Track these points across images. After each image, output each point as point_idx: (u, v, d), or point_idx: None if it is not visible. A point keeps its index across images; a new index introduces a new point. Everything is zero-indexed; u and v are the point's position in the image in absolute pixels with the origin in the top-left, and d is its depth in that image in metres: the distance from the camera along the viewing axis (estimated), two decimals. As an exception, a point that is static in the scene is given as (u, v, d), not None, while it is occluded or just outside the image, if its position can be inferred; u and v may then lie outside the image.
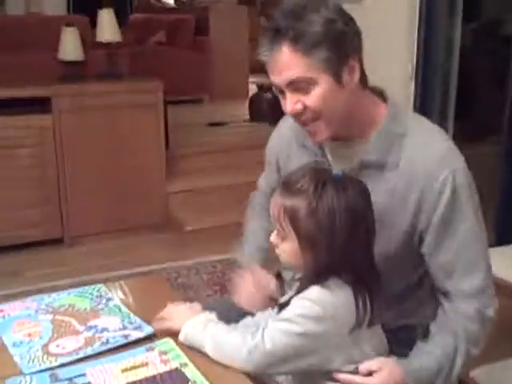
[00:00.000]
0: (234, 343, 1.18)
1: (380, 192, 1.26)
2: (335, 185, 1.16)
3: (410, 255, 1.33)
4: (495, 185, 3.16)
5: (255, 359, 1.16)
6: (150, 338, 1.26)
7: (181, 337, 1.24)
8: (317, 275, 1.17)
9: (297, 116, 1.28)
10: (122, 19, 4.01)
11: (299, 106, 1.25)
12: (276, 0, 7.39)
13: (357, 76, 1.26)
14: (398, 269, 1.33)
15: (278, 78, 1.24)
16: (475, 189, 1.30)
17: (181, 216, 3.73)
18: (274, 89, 1.31)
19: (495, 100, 3.49)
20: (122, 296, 1.45)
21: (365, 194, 1.20)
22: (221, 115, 5.25)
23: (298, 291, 1.19)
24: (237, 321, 1.53)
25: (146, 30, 6.36)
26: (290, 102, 1.25)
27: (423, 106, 3.35)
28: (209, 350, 1.20)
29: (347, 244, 1.15)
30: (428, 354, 1.27)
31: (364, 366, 1.20)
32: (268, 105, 4.93)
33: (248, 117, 4.98)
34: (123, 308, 1.38)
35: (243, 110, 5.11)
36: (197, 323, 1.24)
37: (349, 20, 1.24)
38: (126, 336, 1.26)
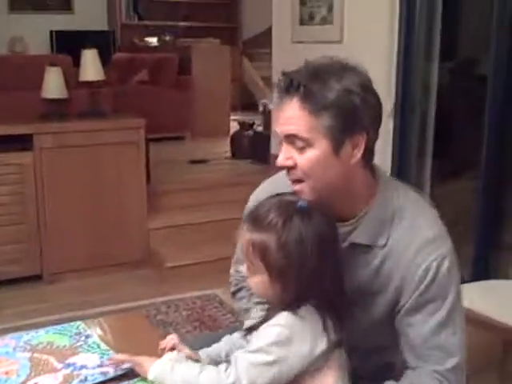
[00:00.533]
0: None
1: (366, 270, 1.30)
2: (301, 216, 1.18)
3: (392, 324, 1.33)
4: (472, 220, 3.21)
5: None
6: (128, 375, 1.26)
7: (150, 377, 1.22)
8: (287, 304, 1.18)
9: (286, 170, 1.28)
10: (105, 58, 4.06)
11: (289, 162, 1.25)
12: (257, 40, 7.58)
13: (359, 153, 1.24)
14: (382, 334, 1.35)
15: (279, 127, 1.25)
16: (458, 273, 1.30)
17: (162, 252, 3.73)
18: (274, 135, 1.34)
19: (472, 136, 3.56)
20: (100, 333, 1.45)
21: (331, 222, 1.22)
22: (202, 152, 5.29)
23: (266, 319, 1.20)
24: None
25: (130, 69, 6.42)
26: (283, 156, 1.25)
27: (402, 144, 3.42)
28: None
29: (317, 271, 1.17)
30: None
31: None
32: (249, 142, 4.99)
33: (229, 154, 5.03)
34: (102, 345, 1.38)
35: (225, 148, 5.16)
36: (163, 364, 1.22)
37: (370, 98, 1.24)
38: (104, 373, 1.26)
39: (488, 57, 3.04)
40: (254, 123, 5.17)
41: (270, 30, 4.45)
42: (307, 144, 1.22)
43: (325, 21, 3.80)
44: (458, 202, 3.24)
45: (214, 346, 1.37)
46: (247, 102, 7.41)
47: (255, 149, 4.76)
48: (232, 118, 6.38)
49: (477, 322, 2.19)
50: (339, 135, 1.21)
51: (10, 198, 3.40)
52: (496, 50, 2.98)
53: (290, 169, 1.26)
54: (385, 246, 1.28)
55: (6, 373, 1.27)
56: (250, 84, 7.73)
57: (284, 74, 1.25)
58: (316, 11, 3.83)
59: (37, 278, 3.52)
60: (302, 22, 4.00)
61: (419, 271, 1.25)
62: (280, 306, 1.20)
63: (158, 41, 7.86)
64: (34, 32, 7.12)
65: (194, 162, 4.97)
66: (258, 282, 1.22)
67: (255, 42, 7.85)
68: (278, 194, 1.25)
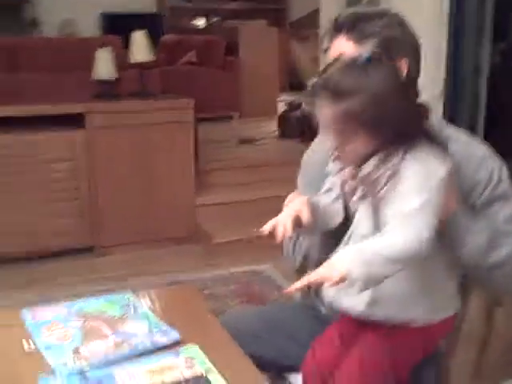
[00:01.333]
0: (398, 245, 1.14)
1: None
2: (372, 66, 1.18)
3: None
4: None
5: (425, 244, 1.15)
6: (176, 344, 1.29)
7: (353, 274, 1.13)
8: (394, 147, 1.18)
9: None
10: (153, 40, 4.10)
11: None
12: (305, 21, 7.51)
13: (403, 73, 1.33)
14: None
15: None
16: None
17: (209, 228, 3.79)
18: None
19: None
20: (149, 304, 1.49)
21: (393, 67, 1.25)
22: (250, 132, 5.31)
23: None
24: (261, 331, 1.56)
25: (178, 50, 6.46)
26: None
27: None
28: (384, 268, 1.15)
29: (408, 107, 1.19)
30: None
31: None
32: (297, 122, 4.98)
33: (277, 134, 5.03)
34: (151, 315, 1.42)
35: (272, 127, 5.16)
36: (346, 254, 1.17)
37: (407, 31, 1.39)
38: (153, 342, 1.30)
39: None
40: (301, 103, 5.15)
41: (317, 11, 4.40)
42: None
43: (372, 3, 3.74)
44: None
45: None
46: (295, 82, 7.36)
47: (302, 129, 4.76)
48: (280, 98, 6.37)
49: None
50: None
51: (64, 174, 3.52)
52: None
53: None
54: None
55: (61, 338, 1.32)
56: (297, 64, 7.68)
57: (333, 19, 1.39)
58: (363, -8, 3.79)
59: (88, 251, 3.64)
60: (349, 4, 3.95)
61: (485, 175, 1.35)
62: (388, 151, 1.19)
63: (206, 23, 7.87)
64: (84, 14, 7.21)
65: (242, 141, 4.99)
66: (358, 146, 1.19)
67: (303, 23, 7.77)
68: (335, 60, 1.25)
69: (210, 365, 1.22)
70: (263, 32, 6.78)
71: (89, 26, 7.23)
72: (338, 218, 1.34)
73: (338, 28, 1.37)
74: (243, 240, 3.58)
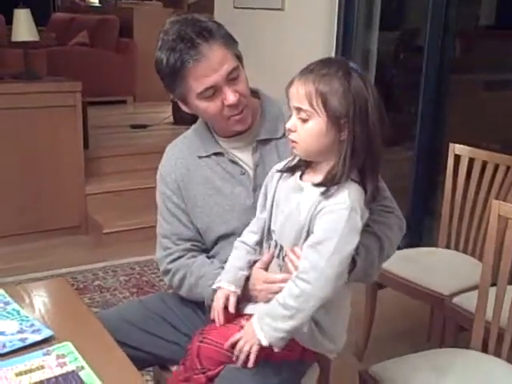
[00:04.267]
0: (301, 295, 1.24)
1: (274, 160, 1.47)
2: (356, 73, 1.24)
3: None
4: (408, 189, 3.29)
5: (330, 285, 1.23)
6: (48, 342, 1.25)
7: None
8: (335, 163, 1.25)
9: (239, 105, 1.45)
10: (43, 18, 3.92)
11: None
12: (203, 3, 7.44)
13: None
14: None
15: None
16: None
17: (99, 218, 3.69)
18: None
19: (411, 107, 3.61)
20: (22, 299, 1.43)
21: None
22: (144, 117, 5.22)
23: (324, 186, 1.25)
24: (151, 323, 1.57)
25: (69, 30, 6.24)
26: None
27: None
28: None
29: (372, 129, 1.23)
30: None
31: None
32: (191, 108, 4.92)
33: (171, 120, 4.96)
34: (22, 312, 1.36)
35: (166, 113, 5.09)
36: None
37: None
38: (23, 339, 1.25)
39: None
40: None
41: (215, -6, 4.38)
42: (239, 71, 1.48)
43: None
44: (396, 171, 3.31)
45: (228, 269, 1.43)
46: (191, 67, 7.30)
47: (196, 115, 4.71)
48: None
49: (407, 288, 2.27)
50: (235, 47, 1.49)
51: None
52: (431, 21, 3.02)
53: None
54: (283, 136, 1.48)
55: None
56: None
57: None
58: (258, -23, 3.79)
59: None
60: (243, -12, 3.95)
61: None
62: (327, 162, 1.27)
63: (100, 2, 7.64)
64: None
65: (134, 126, 4.90)
66: (313, 126, 1.24)
67: (200, 5, 7.68)
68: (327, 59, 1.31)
69: (82, 362, 1.19)
70: (159, 13, 6.65)
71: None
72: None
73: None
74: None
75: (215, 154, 1.54)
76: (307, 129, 1.25)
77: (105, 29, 6.15)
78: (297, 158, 1.34)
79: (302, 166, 1.34)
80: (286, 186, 1.35)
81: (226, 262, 1.48)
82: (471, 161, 2.38)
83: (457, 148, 2.43)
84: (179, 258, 1.56)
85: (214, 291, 1.42)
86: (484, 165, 2.33)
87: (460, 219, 2.41)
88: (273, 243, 1.37)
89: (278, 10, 3.67)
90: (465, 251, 2.41)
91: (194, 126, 1.64)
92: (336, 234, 1.22)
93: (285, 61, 3.60)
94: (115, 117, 5.30)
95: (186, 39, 1.39)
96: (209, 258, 1.58)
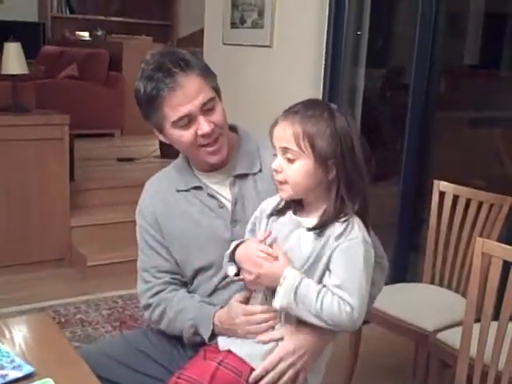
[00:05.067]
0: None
1: (252, 194, 1.51)
2: (339, 112, 1.29)
3: None
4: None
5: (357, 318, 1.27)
6: (29, 378, 1.23)
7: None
8: (336, 199, 1.27)
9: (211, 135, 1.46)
10: (33, 51, 3.94)
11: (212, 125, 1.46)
12: (193, 38, 7.52)
13: None
14: None
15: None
16: None
17: (83, 250, 3.66)
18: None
19: (397, 143, 3.66)
20: (3, 335, 1.41)
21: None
22: (131, 151, 5.23)
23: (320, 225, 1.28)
24: (134, 359, 1.56)
25: (58, 63, 6.26)
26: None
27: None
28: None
29: (358, 166, 1.26)
30: None
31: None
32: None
33: (158, 153, 4.98)
34: (3, 347, 1.34)
35: (153, 146, 5.10)
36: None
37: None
38: (3, 376, 1.23)
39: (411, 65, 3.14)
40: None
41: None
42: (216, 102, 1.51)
43: (256, 25, 3.82)
44: (383, 207, 3.33)
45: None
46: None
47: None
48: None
49: (391, 324, 2.26)
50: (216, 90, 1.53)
51: None
52: (417, 59, 3.08)
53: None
54: (260, 172, 1.54)
55: None
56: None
57: None
58: (247, 15, 3.85)
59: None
60: (233, 25, 4.01)
61: None
62: (317, 201, 1.30)
63: (90, 35, 7.70)
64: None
65: (121, 159, 4.90)
66: (300, 167, 1.27)
67: (191, 40, 7.77)
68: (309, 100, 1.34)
69: (63, 398, 1.17)
70: (148, 48, 6.67)
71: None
72: None
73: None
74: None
75: (194, 187, 1.56)
76: (294, 169, 1.27)
77: (94, 62, 6.19)
78: (283, 202, 1.36)
79: (291, 206, 1.36)
80: (281, 224, 1.36)
81: (207, 296, 1.50)
82: (455, 198, 2.41)
83: (441, 185, 2.46)
84: (160, 291, 1.57)
85: (191, 326, 1.47)
86: (468, 202, 2.36)
87: (444, 255, 2.43)
88: None
89: (267, 47, 3.73)
90: (449, 287, 2.42)
91: (174, 162, 1.65)
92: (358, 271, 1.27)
93: (271, 97, 3.65)
94: (102, 149, 5.30)
95: (163, 69, 1.42)
96: (189, 292, 1.58)
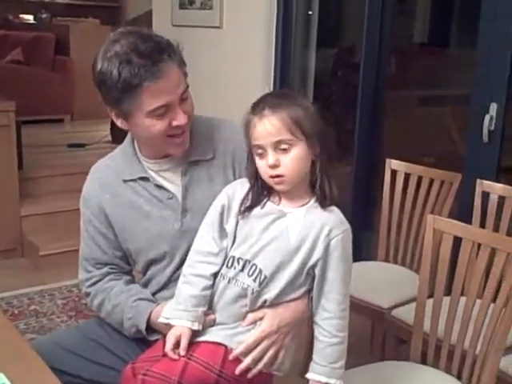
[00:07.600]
0: None
1: (204, 181, 1.50)
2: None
3: None
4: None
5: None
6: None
7: None
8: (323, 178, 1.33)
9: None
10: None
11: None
12: (142, 20, 7.39)
13: None
14: None
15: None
16: None
17: (35, 240, 3.58)
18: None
19: (349, 123, 3.68)
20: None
21: None
22: (81, 136, 5.12)
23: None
24: (88, 349, 1.54)
25: (2, 47, 6.08)
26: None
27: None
28: None
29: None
30: None
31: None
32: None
33: (110, 138, 4.89)
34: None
35: (105, 132, 5.01)
36: None
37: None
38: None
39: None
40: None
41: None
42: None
43: (205, 5, 3.77)
44: (337, 187, 3.35)
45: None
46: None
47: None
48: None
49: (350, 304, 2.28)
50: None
51: None
52: (367, 38, 3.08)
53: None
54: (213, 158, 1.52)
55: None
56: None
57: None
58: (196, -5, 3.81)
59: None
60: (181, 6, 3.95)
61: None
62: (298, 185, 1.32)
63: (34, 18, 7.48)
64: None
65: (71, 145, 4.80)
66: (297, 153, 1.29)
67: (139, 22, 7.64)
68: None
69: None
70: (95, 30, 6.56)
71: None
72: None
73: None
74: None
75: (141, 178, 1.51)
76: (292, 157, 1.29)
77: (40, 46, 6.02)
78: (250, 197, 1.36)
79: (264, 197, 1.36)
80: (256, 217, 1.35)
81: (158, 289, 1.51)
82: (407, 176, 2.43)
83: (393, 163, 2.48)
84: (98, 281, 1.56)
85: (132, 325, 1.48)
86: (420, 180, 2.39)
87: (398, 233, 2.46)
88: (238, 268, 1.34)
89: (217, 27, 3.69)
90: (403, 264, 2.46)
91: (120, 147, 1.59)
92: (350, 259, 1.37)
93: (223, 78, 3.61)
94: (52, 136, 5.17)
95: (144, 54, 1.34)
96: (132, 282, 1.58)
